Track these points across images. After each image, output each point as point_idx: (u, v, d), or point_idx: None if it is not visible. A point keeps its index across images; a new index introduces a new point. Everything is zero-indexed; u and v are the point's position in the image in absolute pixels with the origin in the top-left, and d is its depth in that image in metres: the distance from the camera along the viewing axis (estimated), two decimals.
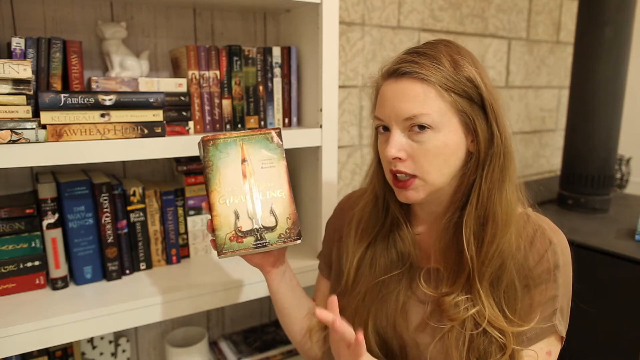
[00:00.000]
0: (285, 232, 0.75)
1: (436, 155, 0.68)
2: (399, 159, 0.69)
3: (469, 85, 0.66)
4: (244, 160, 0.75)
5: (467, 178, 0.71)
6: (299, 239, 0.76)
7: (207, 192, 0.74)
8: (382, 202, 0.81)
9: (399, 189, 0.72)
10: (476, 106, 0.68)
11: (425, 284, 0.74)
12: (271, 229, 0.74)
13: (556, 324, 0.70)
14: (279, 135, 0.78)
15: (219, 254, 0.72)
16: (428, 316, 0.74)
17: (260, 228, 0.74)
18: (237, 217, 0.73)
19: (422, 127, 0.67)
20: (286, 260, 0.85)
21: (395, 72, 0.68)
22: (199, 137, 0.96)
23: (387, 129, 0.72)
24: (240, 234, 0.73)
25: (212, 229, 0.73)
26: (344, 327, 0.62)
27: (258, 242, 0.73)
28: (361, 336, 0.62)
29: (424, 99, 0.66)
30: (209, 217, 0.74)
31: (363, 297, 0.78)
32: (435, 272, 0.75)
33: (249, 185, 0.74)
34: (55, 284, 0.98)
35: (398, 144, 0.69)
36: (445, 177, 0.70)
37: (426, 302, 0.75)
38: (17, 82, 0.80)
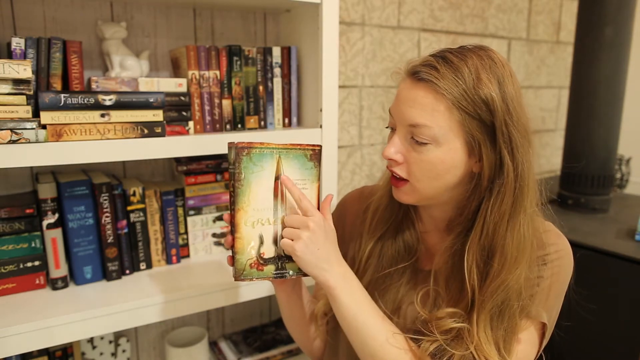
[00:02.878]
0: None
1: (430, 168, 0.67)
2: (395, 161, 0.70)
3: (483, 108, 0.63)
4: (277, 178, 0.70)
5: (471, 200, 0.69)
6: None
7: (232, 206, 0.69)
8: None
9: (393, 186, 0.73)
10: (487, 130, 0.64)
11: (422, 304, 0.72)
12: (292, 258, 0.70)
13: (529, 304, 0.67)
14: (319, 154, 0.72)
15: (236, 279, 0.69)
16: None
17: (282, 256, 0.71)
18: (261, 242, 0.70)
19: (422, 139, 0.66)
20: None
21: (415, 74, 0.67)
22: (199, 137, 0.97)
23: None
24: (261, 262, 0.70)
25: (231, 245, 0.70)
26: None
27: (278, 271, 0.71)
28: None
29: (431, 111, 0.64)
30: (226, 227, 0.69)
31: (366, 287, 0.78)
32: (435, 294, 0.74)
33: (278, 206, 0.70)
34: (55, 284, 0.98)
35: (397, 146, 0.69)
36: (436, 189, 0.69)
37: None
38: (17, 82, 0.80)
